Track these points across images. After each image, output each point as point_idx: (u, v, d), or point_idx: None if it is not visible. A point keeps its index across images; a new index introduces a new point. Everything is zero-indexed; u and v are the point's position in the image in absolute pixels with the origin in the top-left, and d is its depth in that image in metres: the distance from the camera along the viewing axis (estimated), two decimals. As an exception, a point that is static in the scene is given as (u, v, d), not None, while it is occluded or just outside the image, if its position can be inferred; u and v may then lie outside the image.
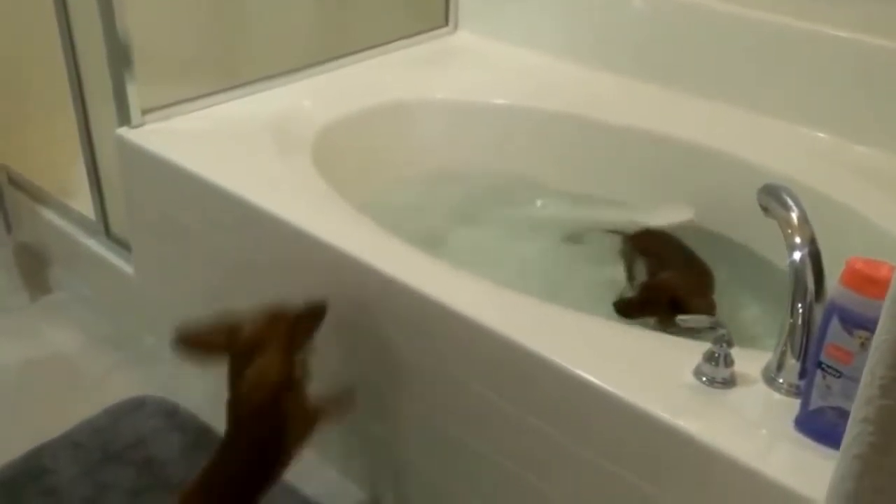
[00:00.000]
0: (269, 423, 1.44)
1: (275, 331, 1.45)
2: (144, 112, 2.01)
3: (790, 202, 1.34)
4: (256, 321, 1.45)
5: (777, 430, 1.22)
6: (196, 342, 1.44)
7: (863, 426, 0.64)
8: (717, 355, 1.31)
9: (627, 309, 1.85)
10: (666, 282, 1.91)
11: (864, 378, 0.64)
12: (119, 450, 1.89)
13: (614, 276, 2.06)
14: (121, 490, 1.79)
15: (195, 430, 1.94)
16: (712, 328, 1.33)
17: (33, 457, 1.86)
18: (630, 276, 2.06)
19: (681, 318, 1.40)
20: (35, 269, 2.45)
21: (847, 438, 0.66)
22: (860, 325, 1.09)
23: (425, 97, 2.35)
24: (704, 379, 1.32)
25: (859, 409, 0.64)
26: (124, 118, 2.00)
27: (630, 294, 1.96)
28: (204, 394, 2.05)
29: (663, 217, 2.15)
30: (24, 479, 1.81)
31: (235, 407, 1.45)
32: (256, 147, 1.95)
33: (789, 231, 1.31)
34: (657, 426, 1.25)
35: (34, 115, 2.62)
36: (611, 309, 1.85)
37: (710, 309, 1.82)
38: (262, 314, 1.46)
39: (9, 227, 2.45)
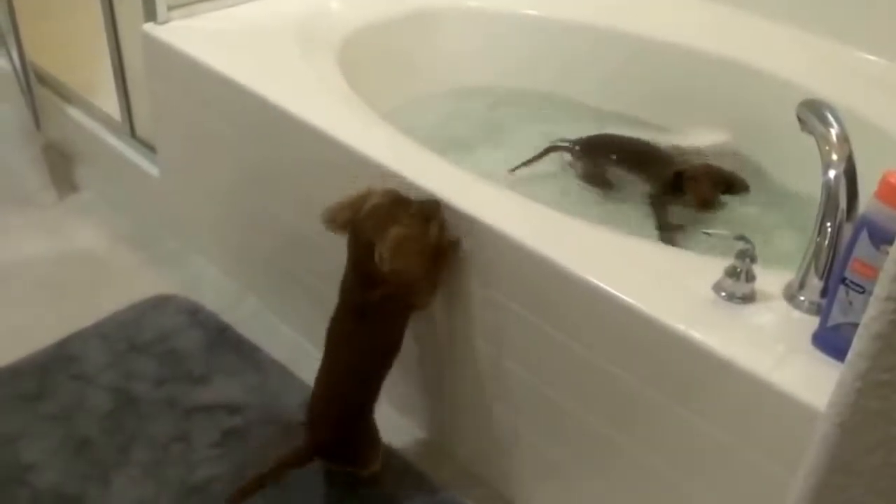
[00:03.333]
0: (405, 280, 1.47)
1: (402, 205, 1.45)
2: (170, 8, 1.99)
3: (830, 118, 1.31)
4: (382, 196, 1.46)
5: (794, 346, 1.24)
6: (331, 217, 1.47)
7: (885, 304, 0.64)
8: (738, 270, 1.32)
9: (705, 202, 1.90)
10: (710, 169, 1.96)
11: (891, 255, 0.64)
12: (144, 343, 1.93)
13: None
14: (145, 379, 1.84)
15: (215, 329, 1.98)
16: (738, 240, 1.33)
17: (63, 345, 1.91)
18: (600, 183, 2.05)
19: (706, 231, 1.40)
20: (62, 168, 2.47)
21: (867, 317, 0.67)
22: (889, 240, 1.08)
23: (457, 4, 2.31)
24: (724, 294, 1.33)
25: (882, 288, 0.64)
26: (150, 13, 1.98)
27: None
28: (224, 295, 2.09)
29: (699, 139, 2.13)
30: (54, 365, 1.86)
31: (361, 269, 1.47)
32: (281, 48, 1.94)
33: (827, 148, 1.29)
34: (673, 337, 1.26)
35: (61, 10, 2.61)
36: (631, 224, 1.86)
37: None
38: (387, 194, 1.47)
39: (37, 124, 2.45)
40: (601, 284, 1.34)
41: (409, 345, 1.60)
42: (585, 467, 1.49)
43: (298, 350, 1.93)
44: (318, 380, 1.60)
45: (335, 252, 1.53)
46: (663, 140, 2.12)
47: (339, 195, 1.51)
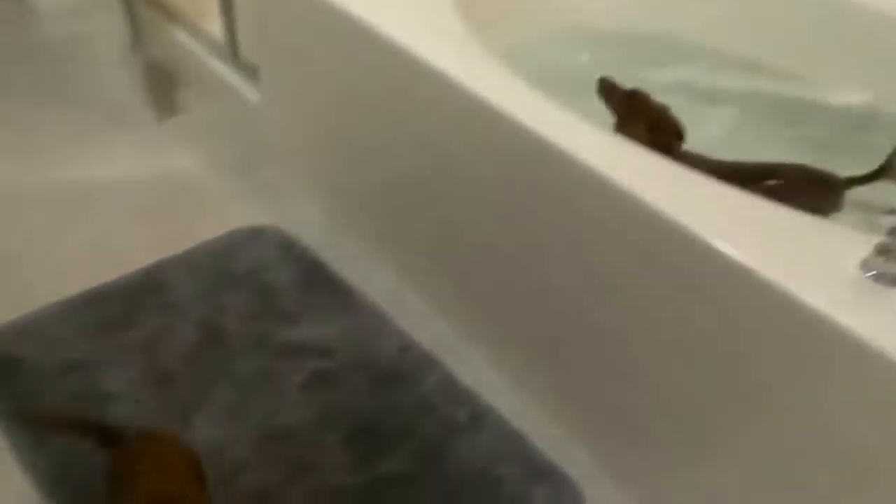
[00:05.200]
0: None
1: None
2: (282, -71, 1.89)
3: None
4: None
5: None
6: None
7: None
8: (891, 248, 1.16)
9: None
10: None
11: None
12: (235, 275, 1.88)
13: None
14: (234, 313, 1.79)
15: (310, 265, 1.91)
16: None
17: (152, 272, 1.87)
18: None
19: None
20: (163, 89, 2.42)
21: None
22: None
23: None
24: (872, 273, 1.17)
25: None
26: (262, -67, 1.89)
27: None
28: (321, 232, 2.02)
29: (838, 96, 1.93)
30: (143, 291, 1.82)
31: None
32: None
33: None
34: (812, 318, 1.12)
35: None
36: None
37: None
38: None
39: (137, 42, 2.41)
40: (729, 252, 1.19)
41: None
42: (708, 457, 1.37)
43: (396, 296, 1.85)
44: None
45: (443, 197, 1.43)
46: (791, 91, 1.92)
47: (442, 132, 1.38)
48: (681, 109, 1.68)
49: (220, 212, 2.07)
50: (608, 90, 1.72)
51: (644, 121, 1.65)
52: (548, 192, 1.44)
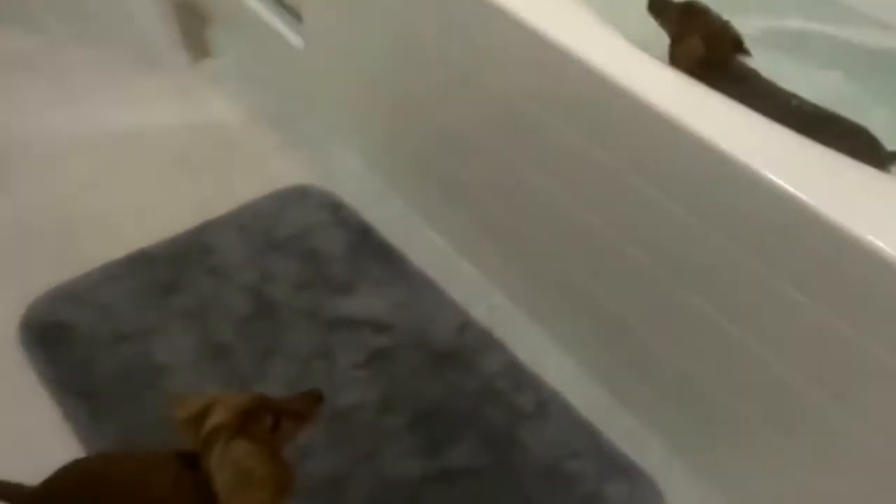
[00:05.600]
0: None
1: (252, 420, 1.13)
2: None
3: None
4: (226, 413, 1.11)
5: None
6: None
7: None
8: None
9: None
10: None
11: None
12: (283, 239, 1.79)
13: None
14: (284, 282, 1.71)
15: (358, 230, 1.83)
16: None
17: (198, 234, 1.79)
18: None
19: None
20: (196, 29, 2.28)
21: None
22: None
23: None
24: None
25: None
26: None
27: None
28: (367, 191, 1.93)
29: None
30: (190, 256, 1.74)
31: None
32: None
33: None
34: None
35: None
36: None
37: None
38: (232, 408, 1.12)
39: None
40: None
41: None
42: (809, 458, 1.32)
43: (449, 264, 1.78)
44: None
45: (501, 156, 1.32)
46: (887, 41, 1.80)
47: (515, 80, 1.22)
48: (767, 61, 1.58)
49: (262, 166, 1.98)
50: (661, 5, 1.63)
51: (700, 32, 1.56)
52: (630, 145, 1.33)
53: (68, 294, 1.65)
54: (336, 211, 1.86)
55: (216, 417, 1.09)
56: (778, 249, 1.18)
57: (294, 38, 2.04)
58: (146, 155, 1.98)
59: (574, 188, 1.46)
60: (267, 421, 1.11)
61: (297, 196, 1.89)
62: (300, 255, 1.77)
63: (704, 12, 1.60)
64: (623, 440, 1.50)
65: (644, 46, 1.34)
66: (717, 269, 1.27)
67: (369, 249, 1.79)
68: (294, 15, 2.03)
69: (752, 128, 1.22)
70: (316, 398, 1.16)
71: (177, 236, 1.78)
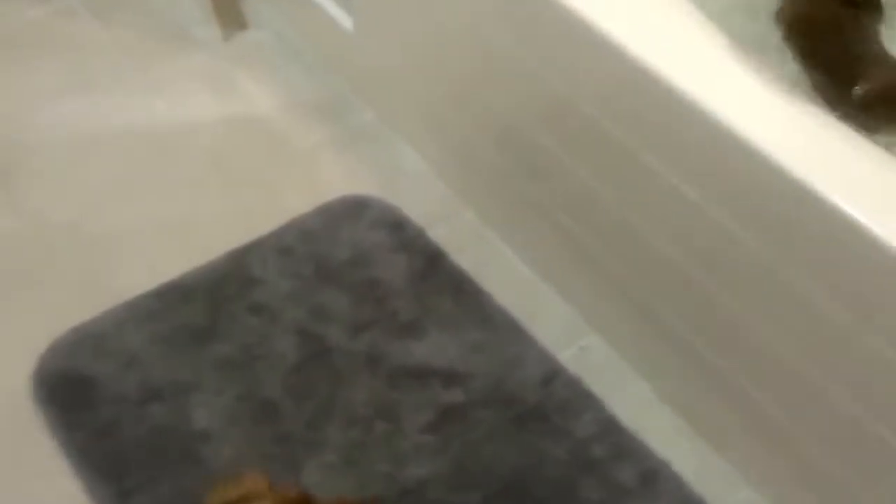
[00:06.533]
0: None
1: None
2: None
3: None
4: None
5: None
6: None
7: None
8: None
9: None
10: None
11: None
12: (335, 266, 1.54)
13: None
14: (338, 321, 1.47)
15: (425, 254, 1.57)
16: None
17: (238, 260, 1.54)
18: None
19: None
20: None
21: None
22: None
23: None
24: None
25: None
26: None
27: None
28: (433, 200, 1.66)
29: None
30: (229, 288, 1.50)
31: None
32: None
33: None
34: None
35: None
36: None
37: None
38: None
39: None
40: None
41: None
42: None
43: (534, 297, 1.52)
44: None
45: (589, 170, 1.08)
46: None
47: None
48: None
49: (309, 169, 1.72)
50: None
51: None
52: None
53: (88, 338, 1.43)
54: (398, 230, 1.60)
55: None
56: None
57: (343, 18, 1.76)
58: (174, 157, 1.73)
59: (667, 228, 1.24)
60: None
61: (353, 210, 1.63)
62: (356, 287, 1.52)
63: None
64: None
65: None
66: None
67: (439, 279, 1.53)
68: (344, -9, 1.75)
69: None
70: None
71: (213, 263, 1.53)
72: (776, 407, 1.23)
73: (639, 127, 1.21)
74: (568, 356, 1.45)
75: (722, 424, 1.35)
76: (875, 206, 0.99)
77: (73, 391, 1.37)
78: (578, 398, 1.40)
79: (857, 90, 1.16)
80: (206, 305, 1.48)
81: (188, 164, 1.72)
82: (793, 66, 1.24)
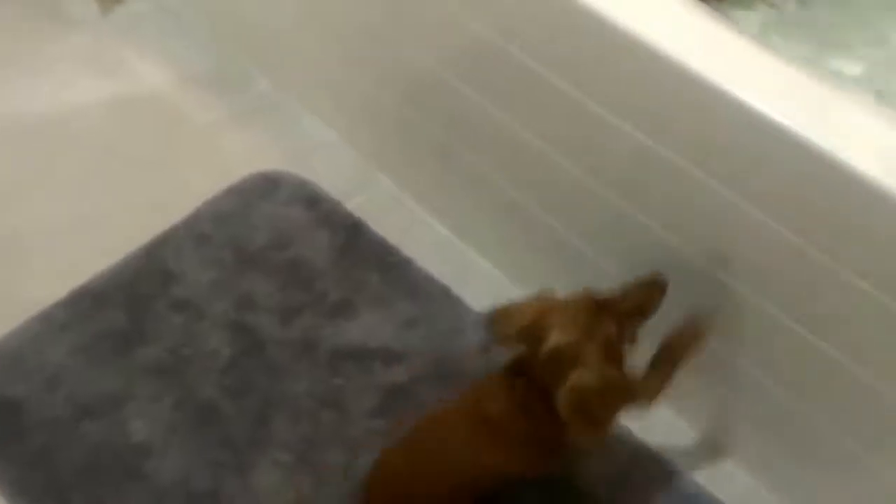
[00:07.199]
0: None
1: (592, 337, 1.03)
2: None
3: None
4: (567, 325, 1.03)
5: None
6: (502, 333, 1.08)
7: None
8: None
9: None
10: None
11: None
12: (256, 250, 1.50)
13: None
14: (268, 309, 1.43)
15: (345, 226, 1.53)
16: None
17: (155, 252, 1.47)
18: None
19: None
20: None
21: None
22: None
23: None
24: None
25: None
26: None
27: None
28: (345, 169, 1.61)
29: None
30: (147, 287, 1.44)
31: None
32: None
33: None
34: None
35: None
36: None
37: None
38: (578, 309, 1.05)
39: None
40: None
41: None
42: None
43: (461, 260, 1.50)
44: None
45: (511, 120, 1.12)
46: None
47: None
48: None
49: (213, 147, 1.64)
50: None
51: None
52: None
53: (3, 358, 1.35)
54: (314, 204, 1.55)
55: (557, 336, 1.02)
56: None
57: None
58: (69, 147, 1.63)
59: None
60: (609, 330, 1.03)
61: (265, 188, 1.57)
62: (280, 271, 1.48)
63: None
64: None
65: None
66: None
67: (362, 253, 1.50)
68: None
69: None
70: (656, 286, 1.05)
71: (125, 260, 1.47)
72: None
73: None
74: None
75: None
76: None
77: (-2, 419, 1.30)
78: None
79: None
80: (125, 308, 1.41)
81: (81, 153, 1.62)
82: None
